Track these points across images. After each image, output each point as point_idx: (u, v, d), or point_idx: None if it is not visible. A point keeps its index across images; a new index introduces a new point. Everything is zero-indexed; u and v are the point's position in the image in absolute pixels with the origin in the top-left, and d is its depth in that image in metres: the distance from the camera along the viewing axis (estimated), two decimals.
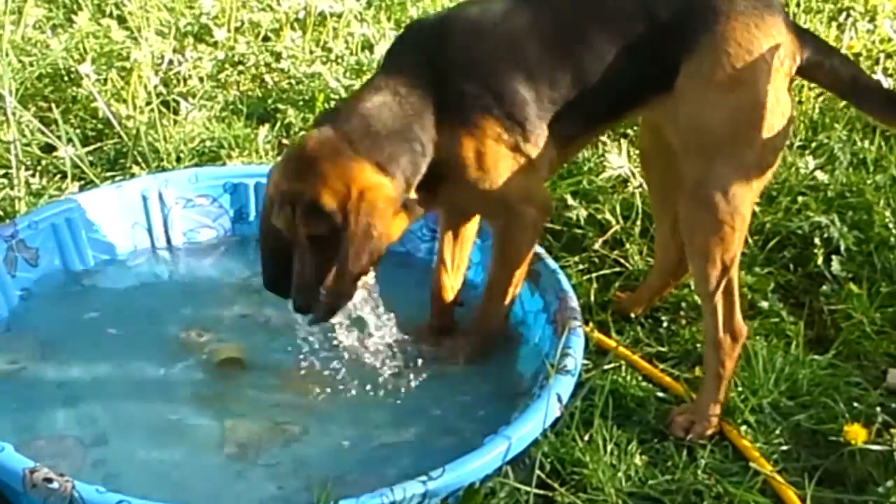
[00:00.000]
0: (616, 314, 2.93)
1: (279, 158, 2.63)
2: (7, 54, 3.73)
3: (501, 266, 2.63)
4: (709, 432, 2.55)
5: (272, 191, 2.44)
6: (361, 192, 2.33)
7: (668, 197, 2.72)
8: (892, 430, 2.53)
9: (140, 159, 3.47)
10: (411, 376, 2.66)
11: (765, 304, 2.94)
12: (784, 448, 2.53)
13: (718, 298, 2.49)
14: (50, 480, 2.05)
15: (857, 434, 2.45)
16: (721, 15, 2.41)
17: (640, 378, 2.72)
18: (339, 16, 4.23)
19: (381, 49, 4.02)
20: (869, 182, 3.25)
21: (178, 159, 3.49)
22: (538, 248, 2.88)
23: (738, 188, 2.41)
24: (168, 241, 3.12)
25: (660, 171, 2.77)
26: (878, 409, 2.58)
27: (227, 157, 3.50)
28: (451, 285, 2.81)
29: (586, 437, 2.47)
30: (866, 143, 3.48)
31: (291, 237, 2.40)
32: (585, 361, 2.65)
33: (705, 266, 2.46)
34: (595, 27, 2.47)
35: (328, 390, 2.59)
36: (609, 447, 2.46)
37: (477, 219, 2.78)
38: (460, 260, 2.81)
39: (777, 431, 2.56)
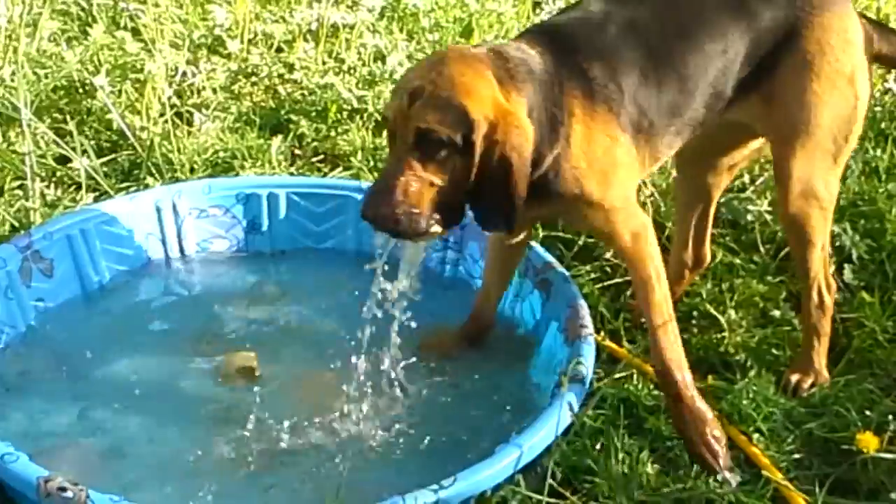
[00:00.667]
0: (629, 322, 2.93)
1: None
2: (22, 66, 3.76)
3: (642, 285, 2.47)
4: (824, 380, 2.69)
5: (400, 84, 2.24)
6: (510, 115, 2.18)
7: (700, 195, 2.82)
8: None
9: (154, 170, 3.49)
10: (425, 387, 2.67)
11: (777, 313, 2.94)
12: (796, 456, 2.52)
13: (819, 270, 2.63)
14: (64, 489, 2.06)
15: (869, 442, 2.44)
16: (817, 7, 2.44)
17: (651, 387, 2.71)
18: (352, 27, 4.25)
19: (393, 60, 4.04)
20: (881, 191, 3.24)
21: (192, 170, 3.51)
22: (549, 257, 2.90)
23: (835, 176, 2.55)
24: (182, 251, 3.14)
25: (696, 170, 2.80)
26: (890, 417, 2.57)
27: (241, 168, 3.52)
28: (491, 313, 2.79)
29: (598, 446, 2.47)
30: (878, 152, 3.48)
31: (393, 129, 2.20)
32: (597, 370, 2.66)
33: (812, 253, 2.60)
34: (696, 27, 2.43)
35: (341, 399, 2.59)
36: (621, 455, 2.46)
37: (522, 249, 2.76)
38: (503, 289, 2.80)
39: (789, 440, 2.56)
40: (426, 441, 2.51)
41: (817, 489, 2.39)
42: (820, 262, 2.64)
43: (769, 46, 2.45)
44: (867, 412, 2.61)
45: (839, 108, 2.49)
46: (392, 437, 2.51)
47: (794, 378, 2.72)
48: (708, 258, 2.96)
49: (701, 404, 2.44)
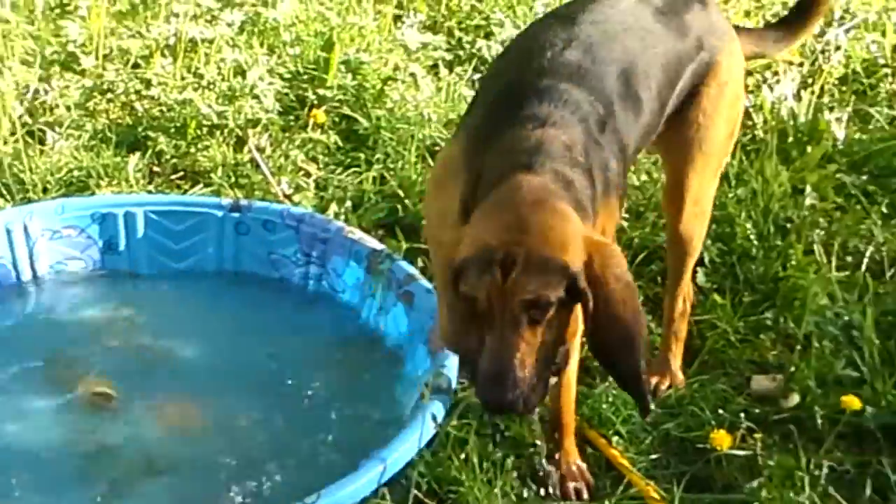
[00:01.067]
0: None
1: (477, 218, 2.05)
2: None
3: None
4: (680, 382, 2.78)
5: (479, 254, 1.94)
6: (602, 245, 2.01)
7: None
8: (756, 436, 2.61)
9: (4, 191, 3.38)
10: (288, 403, 2.65)
11: None
12: (654, 456, 2.59)
13: (689, 279, 2.74)
14: None
15: (722, 440, 2.52)
16: (727, 33, 2.54)
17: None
18: (211, 41, 4.18)
19: (253, 74, 4.00)
20: (731, 196, 3.35)
21: (45, 190, 3.42)
22: (412, 269, 2.91)
23: (714, 189, 2.67)
24: (34, 274, 3.05)
25: None
26: (742, 415, 2.66)
27: (97, 187, 3.44)
28: None
29: (462, 456, 2.49)
30: (728, 158, 3.59)
31: (491, 307, 1.94)
32: (461, 380, 2.67)
33: (691, 265, 2.73)
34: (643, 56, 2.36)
35: (202, 421, 2.56)
36: (485, 465, 2.48)
37: None
38: None
39: (647, 441, 2.62)
40: (289, 458, 2.49)
41: (675, 487, 2.46)
42: (690, 272, 2.75)
43: (697, 67, 2.48)
44: (720, 411, 2.69)
45: (731, 127, 2.59)
46: (255, 455, 2.48)
47: (653, 381, 2.79)
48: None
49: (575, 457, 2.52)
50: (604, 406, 2.68)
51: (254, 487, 2.41)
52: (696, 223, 2.63)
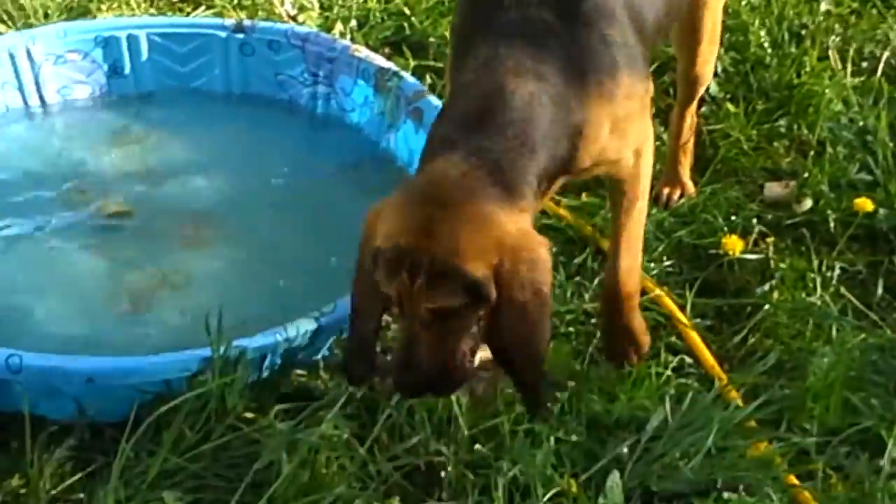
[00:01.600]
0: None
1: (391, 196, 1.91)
2: None
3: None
4: (691, 191, 2.78)
5: (380, 242, 1.85)
6: (520, 244, 1.83)
7: None
8: (768, 240, 2.63)
9: (5, 17, 3.33)
10: (301, 215, 2.67)
11: None
12: (667, 264, 2.61)
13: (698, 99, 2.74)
14: None
15: (734, 245, 2.54)
16: None
17: None
18: None
19: None
20: (744, 3, 3.28)
21: (46, 16, 3.36)
22: (420, 86, 2.89)
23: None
24: (42, 99, 3.03)
25: None
26: (755, 221, 2.67)
27: (97, 11, 3.38)
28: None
29: None
30: None
31: (402, 308, 1.87)
32: None
33: (702, 88, 2.73)
34: None
35: (218, 236, 2.58)
36: None
37: None
38: None
39: (660, 249, 2.64)
40: (303, 272, 2.51)
41: (687, 292, 2.49)
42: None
43: None
44: (733, 217, 2.70)
45: None
46: (269, 269, 2.51)
47: (665, 191, 2.79)
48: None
49: (637, 324, 2.30)
50: None
51: (269, 300, 2.44)
52: (709, 58, 2.61)
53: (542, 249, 1.84)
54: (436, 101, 2.83)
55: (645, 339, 2.30)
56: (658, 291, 2.49)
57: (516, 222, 1.82)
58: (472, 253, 1.78)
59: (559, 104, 1.90)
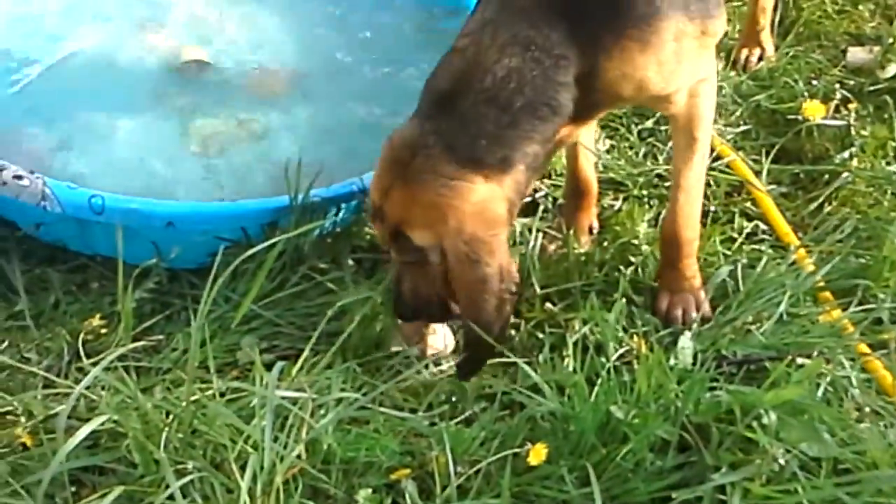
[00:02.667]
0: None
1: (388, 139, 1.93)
2: None
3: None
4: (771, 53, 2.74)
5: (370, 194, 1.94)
6: (462, 220, 1.80)
7: None
8: (850, 106, 2.57)
9: None
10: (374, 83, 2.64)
11: None
12: (743, 128, 2.57)
13: None
14: (20, 178, 2.05)
15: (814, 110, 2.49)
16: None
17: None
18: None
19: None
20: None
21: None
22: None
23: None
24: None
25: None
26: (837, 86, 2.61)
27: None
28: (592, 175, 2.34)
29: None
30: None
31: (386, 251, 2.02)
32: None
33: None
34: None
35: (294, 89, 2.57)
36: None
37: None
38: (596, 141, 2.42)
39: (737, 113, 2.60)
40: (373, 128, 2.47)
41: (763, 158, 2.46)
42: None
43: None
44: (814, 82, 2.65)
45: None
46: (344, 125, 2.50)
47: (743, 53, 2.73)
48: None
49: (694, 280, 2.16)
50: None
51: (341, 154, 2.43)
52: None
53: (490, 232, 1.81)
54: None
55: (699, 295, 2.14)
56: (733, 156, 2.46)
57: (471, 197, 1.80)
58: (419, 223, 1.83)
59: (553, 65, 1.81)
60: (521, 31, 1.81)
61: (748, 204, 2.38)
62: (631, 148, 2.54)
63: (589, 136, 2.30)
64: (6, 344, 2.04)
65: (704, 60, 1.96)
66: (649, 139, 2.56)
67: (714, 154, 2.46)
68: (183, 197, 2.25)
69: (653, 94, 1.94)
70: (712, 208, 2.37)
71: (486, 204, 1.81)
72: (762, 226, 2.33)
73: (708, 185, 2.39)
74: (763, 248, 2.26)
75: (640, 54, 1.84)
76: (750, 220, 2.34)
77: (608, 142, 2.54)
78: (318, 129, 2.50)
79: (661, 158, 2.50)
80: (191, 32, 2.75)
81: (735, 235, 2.28)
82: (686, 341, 1.98)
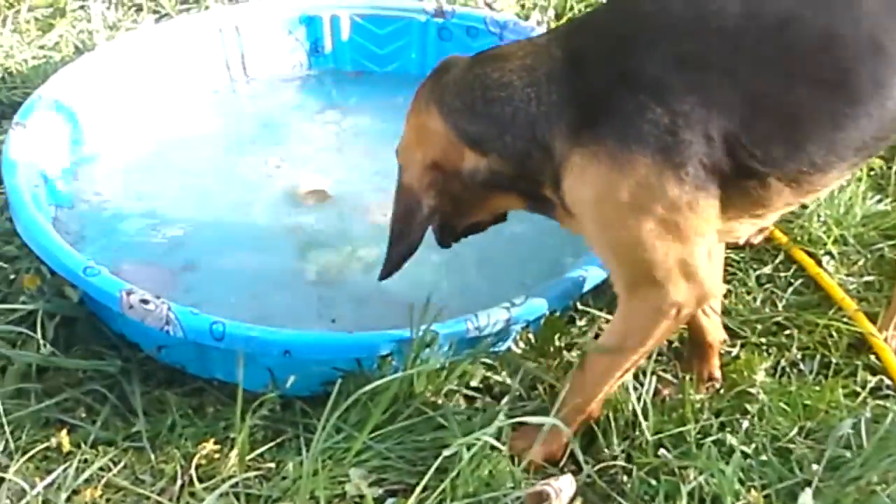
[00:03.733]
0: None
1: None
2: None
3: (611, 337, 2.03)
4: None
5: None
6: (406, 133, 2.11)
7: None
8: None
9: None
10: None
11: None
12: (867, 279, 2.52)
13: None
14: (146, 302, 2.11)
15: None
16: None
17: None
18: None
19: None
20: None
21: None
22: None
23: None
24: (245, 73, 3.12)
25: None
26: None
27: None
28: (713, 326, 2.26)
29: None
30: None
31: None
32: None
33: None
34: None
35: None
36: None
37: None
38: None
39: (860, 263, 2.55)
40: (496, 260, 2.52)
41: (886, 311, 2.39)
42: None
43: None
44: None
45: None
46: (462, 257, 2.52)
47: None
48: None
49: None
50: (814, 225, 2.62)
51: (457, 286, 2.46)
52: None
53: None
54: None
55: (558, 440, 2.04)
56: (855, 308, 2.40)
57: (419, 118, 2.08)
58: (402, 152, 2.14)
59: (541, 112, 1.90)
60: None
61: (872, 357, 2.32)
62: (749, 293, 2.50)
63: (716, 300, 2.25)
64: (122, 464, 2.06)
65: (670, 249, 1.85)
66: (767, 285, 2.53)
67: (835, 306, 2.43)
68: (299, 325, 2.28)
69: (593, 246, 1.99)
70: (834, 360, 2.31)
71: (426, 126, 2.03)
72: (887, 380, 2.26)
73: (829, 335, 2.35)
74: (888, 403, 2.18)
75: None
76: (874, 373, 2.27)
77: (724, 287, 2.50)
78: (433, 262, 2.53)
79: (780, 305, 2.46)
80: (312, 163, 2.83)
81: (858, 389, 2.21)
82: (807, 498, 1.91)
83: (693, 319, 2.20)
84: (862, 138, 1.85)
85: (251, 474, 1.99)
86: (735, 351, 2.34)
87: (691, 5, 1.86)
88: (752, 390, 2.21)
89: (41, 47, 3.18)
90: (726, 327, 2.38)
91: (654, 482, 2.02)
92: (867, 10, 1.82)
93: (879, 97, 1.81)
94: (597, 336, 2.17)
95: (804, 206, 2.63)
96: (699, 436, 2.09)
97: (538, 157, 1.92)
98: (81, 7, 3.36)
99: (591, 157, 1.83)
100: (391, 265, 2.16)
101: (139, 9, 3.38)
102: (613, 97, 1.82)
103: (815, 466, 2.00)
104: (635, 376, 2.18)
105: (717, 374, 2.27)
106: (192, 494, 1.97)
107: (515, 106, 1.92)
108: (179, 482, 2.02)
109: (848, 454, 2.03)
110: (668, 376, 2.26)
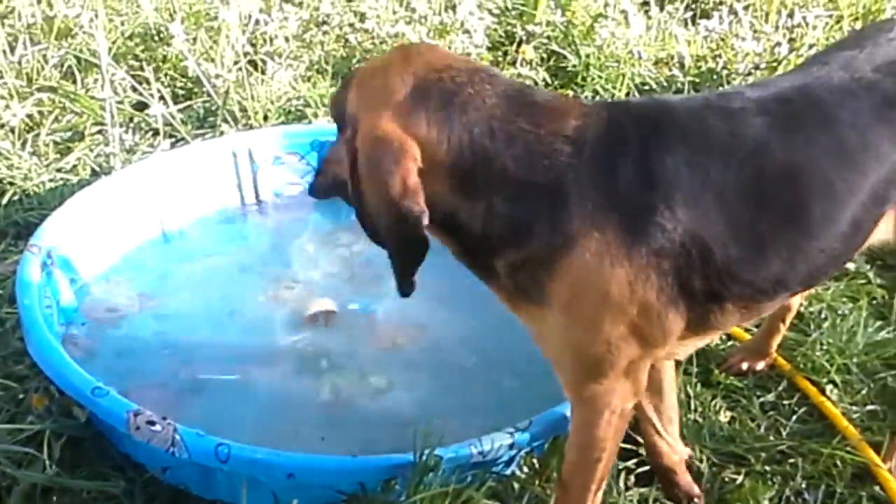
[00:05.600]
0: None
1: None
2: (98, 14, 3.81)
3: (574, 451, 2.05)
4: None
5: None
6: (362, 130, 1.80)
7: None
8: None
9: (228, 117, 3.53)
10: (497, 332, 2.69)
11: (851, 266, 2.92)
12: (870, 408, 2.53)
13: None
14: (153, 423, 2.12)
15: None
16: None
17: (724, 337, 2.73)
18: None
19: (463, 9, 4.03)
20: None
21: (265, 118, 3.55)
22: None
23: None
24: (257, 197, 3.19)
25: None
26: None
27: (313, 116, 3.55)
28: (668, 447, 2.28)
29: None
30: None
31: None
32: None
33: None
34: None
35: (416, 342, 2.64)
36: (693, 404, 2.48)
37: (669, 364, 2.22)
38: (668, 410, 2.26)
39: (863, 392, 2.56)
40: (501, 384, 2.54)
41: (889, 440, 2.39)
42: None
43: None
44: None
45: None
46: (467, 380, 2.54)
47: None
48: (795, 304, 2.57)
49: None
50: (817, 353, 2.63)
51: (461, 410, 2.47)
52: None
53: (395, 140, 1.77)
54: None
55: None
56: (859, 437, 2.41)
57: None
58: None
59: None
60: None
61: (877, 488, 2.31)
62: (753, 420, 2.50)
63: (663, 405, 2.25)
64: None
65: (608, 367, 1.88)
66: (771, 412, 2.53)
67: (839, 435, 2.43)
68: (304, 447, 2.28)
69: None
70: (838, 490, 2.31)
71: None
72: None
73: (834, 465, 2.35)
74: None
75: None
76: None
77: (728, 413, 2.51)
78: (440, 385, 2.55)
79: (784, 433, 2.46)
80: (322, 285, 2.87)
81: None
82: None
83: (650, 447, 2.26)
84: (810, 271, 1.91)
85: None
86: (739, 479, 2.33)
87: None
88: None
89: (59, 170, 3.25)
90: (730, 454, 2.39)
91: None
92: (822, 148, 1.88)
93: (831, 233, 1.88)
94: None
95: (806, 334, 2.65)
96: None
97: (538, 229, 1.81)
98: (100, 131, 3.45)
99: (598, 245, 1.79)
100: (404, 276, 1.88)
101: (156, 133, 3.47)
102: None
103: None
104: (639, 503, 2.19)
105: (696, 490, 2.28)
106: None
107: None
108: None
109: None
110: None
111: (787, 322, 2.60)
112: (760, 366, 2.63)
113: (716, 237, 1.81)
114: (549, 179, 1.78)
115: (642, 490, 2.27)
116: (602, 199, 1.78)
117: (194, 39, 3.91)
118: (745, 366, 2.63)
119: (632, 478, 2.30)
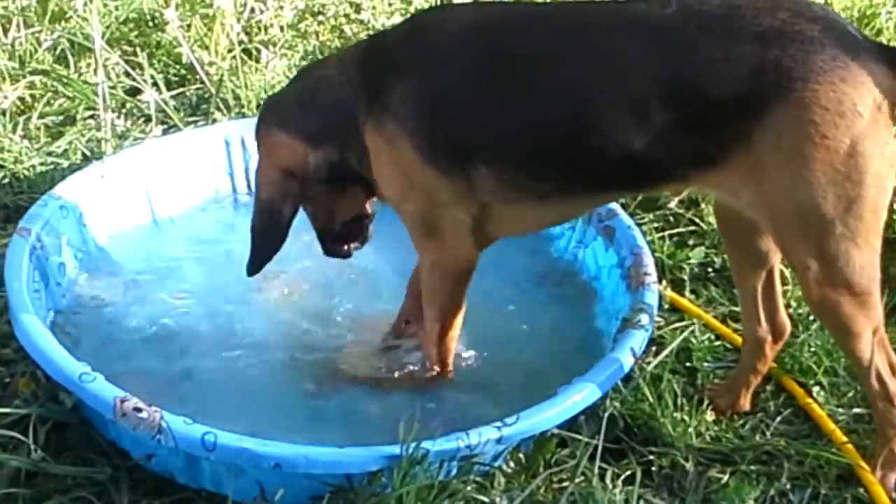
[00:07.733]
0: (690, 269, 2.91)
1: None
2: None
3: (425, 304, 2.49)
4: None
5: None
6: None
7: (750, 268, 2.46)
8: None
9: (222, 105, 3.52)
10: (489, 328, 2.69)
11: None
12: (856, 411, 2.53)
13: (872, 358, 2.27)
14: (139, 410, 2.12)
15: None
16: (797, 80, 2.04)
17: (712, 337, 2.73)
18: None
19: (460, 0, 4.02)
20: None
21: (259, 106, 3.54)
22: (613, 204, 2.88)
23: (867, 256, 2.14)
24: (248, 186, 3.17)
25: (738, 242, 2.45)
26: None
27: None
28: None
29: (657, 393, 2.49)
30: None
31: None
32: (658, 318, 2.66)
33: (856, 342, 2.23)
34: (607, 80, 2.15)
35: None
36: (679, 402, 2.49)
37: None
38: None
39: (850, 394, 2.57)
40: (490, 379, 2.54)
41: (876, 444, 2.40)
42: (870, 349, 2.25)
43: (721, 117, 2.09)
44: None
45: (842, 191, 2.07)
46: (457, 375, 2.54)
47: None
48: (787, 327, 2.54)
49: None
50: (805, 355, 2.64)
51: (450, 404, 2.47)
52: (832, 296, 2.19)
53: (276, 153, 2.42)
54: (627, 221, 2.85)
55: None
56: (844, 440, 2.42)
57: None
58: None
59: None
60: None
61: (861, 490, 2.32)
62: (738, 420, 2.51)
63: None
64: None
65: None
66: (758, 413, 2.54)
67: (825, 437, 2.44)
68: (291, 438, 2.28)
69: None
70: (823, 491, 2.32)
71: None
72: None
73: (820, 467, 2.36)
74: None
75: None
76: None
77: (714, 412, 2.52)
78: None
79: (769, 434, 2.47)
80: (313, 274, 2.86)
81: None
82: None
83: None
84: (539, 147, 2.24)
85: None
86: (724, 478, 2.34)
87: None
88: None
89: (50, 154, 3.24)
90: (716, 452, 2.39)
91: None
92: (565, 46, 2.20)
93: (553, 111, 2.19)
94: None
95: (794, 336, 2.65)
96: None
97: (353, 135, 2.32)
98: (92, 116, 3.43)
99: (375, 127, 2.28)
100: (260, 263, 2.46)
101: (148, 119, 3.46)
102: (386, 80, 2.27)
103: None
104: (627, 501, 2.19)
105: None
106: None
107: (334, 94, 2.34)
108: None
109: None
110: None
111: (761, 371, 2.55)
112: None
113: (448, 103, 2.23)
114: (336, 96, 2.35)
115: (628, 488, 2.27)
116: (367, 92, 2.30)
117: (189, 26, 3.89)
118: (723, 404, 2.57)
119: (619, 482, 2.30)
